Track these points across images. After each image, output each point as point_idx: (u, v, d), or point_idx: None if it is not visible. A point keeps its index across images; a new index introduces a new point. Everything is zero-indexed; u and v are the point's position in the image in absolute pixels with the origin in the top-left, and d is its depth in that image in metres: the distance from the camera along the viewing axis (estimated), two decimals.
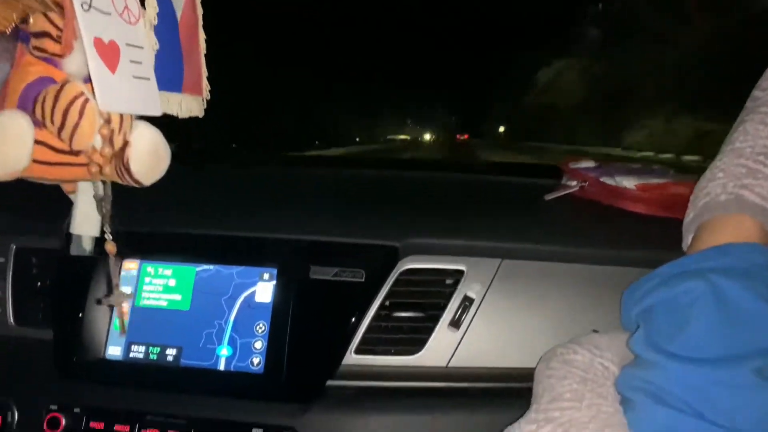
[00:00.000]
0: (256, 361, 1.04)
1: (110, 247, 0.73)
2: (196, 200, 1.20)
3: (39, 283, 1.16)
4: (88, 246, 0.78)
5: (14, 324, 1.16)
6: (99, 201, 0.71)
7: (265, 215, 1.13)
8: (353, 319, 1.02)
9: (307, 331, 1.03)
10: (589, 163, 1.31)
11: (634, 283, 0.75)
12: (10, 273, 1.17)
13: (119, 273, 0.78)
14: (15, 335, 1.15)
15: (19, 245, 1.18)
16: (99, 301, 1.04)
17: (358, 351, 1.03)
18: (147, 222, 1.13)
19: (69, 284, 1.12)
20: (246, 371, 1.03)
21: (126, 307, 0.86)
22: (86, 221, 0.77)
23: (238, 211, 1.15)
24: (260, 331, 1.05)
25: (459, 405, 1.00)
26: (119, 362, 1.08)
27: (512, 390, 0.99)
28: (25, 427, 1.06)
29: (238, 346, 1.05)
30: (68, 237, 0.76)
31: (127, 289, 0.88)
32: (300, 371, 1.01)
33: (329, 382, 1.01)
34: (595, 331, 0.81)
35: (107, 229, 0.72)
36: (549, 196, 1.21)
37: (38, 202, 1.21)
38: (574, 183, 1.25)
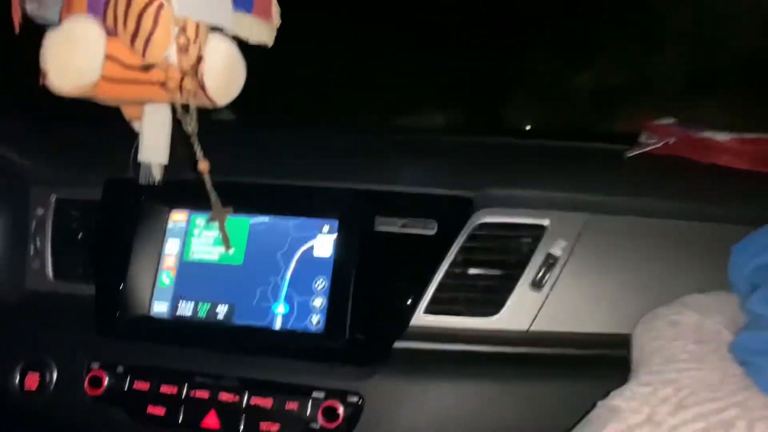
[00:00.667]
0: (315, 319, 0.95)
1: (203, 165, 0.66)
2: (249, 148, 1.11)
3: (81, 235, 1.09)
4: (157, 174, 0.69)
5: (53, 279, 1.09)
6: (183, 118, 0.63)
7: (325, 163, 1.04)
8: (423, 276, 0.93)
9: (372, 288, 0.93)
10: (670, 120, 1.20)
11: (747, 239, 0.67)
12: (50, 225, 1.10)
13: (212, 188, 0.71)
14: (55, 290, 1.08)
15: (60, 196, 1.11)
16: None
17: (428, 311, 0.93)
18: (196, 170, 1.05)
19: (113, 235, 1.04)
20: (305, 331, 0.94)
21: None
22: (154, 148, 0.69)
23: (295, 158, 1.06)
24: (320, 287, 0.96)
25: (540, 373, 0.90)
26: (165, 320, 1.00)
27: (600, 357, 0.88)
28: (64, 386, 0.99)
29: (296, 304, 0.96)
30: (135, 167, 0.68)
31: (228, 209, 0.78)
32: (364, 331, 0.92)
33: (397, 344, 0.92)
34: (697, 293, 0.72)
35: (197, 147, 0.65)
36: (630, 153, 1.10)
37: (79, 152, 1.14)
38: (654, 140, 1.14)
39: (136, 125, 0.73)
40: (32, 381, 1.00)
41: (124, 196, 1.05)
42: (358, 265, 0.94)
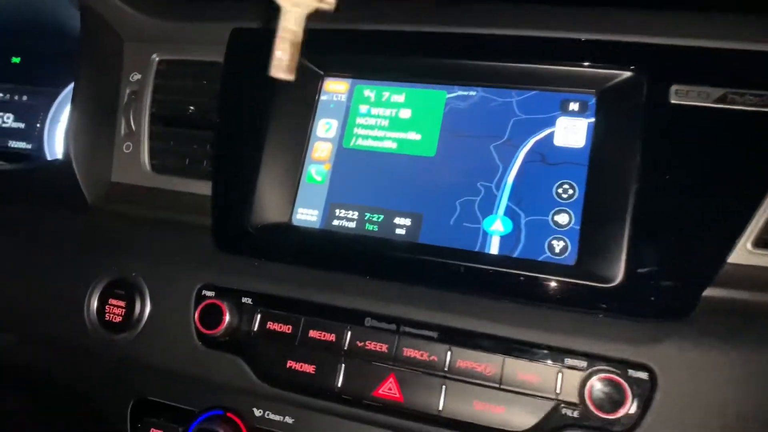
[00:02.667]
0: (558, 245, 0.59)
1: None
2: None
3: (191, 110, 0.77)
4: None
5: (151, 170, 0.77)
6: None
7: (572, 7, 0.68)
8: (754, 186, 0.56)
9: (660, 200, 0.57)
10: None
11: None
12: (149, 95, 0.78)
13: None
14: (152, 186, 0.77)
15: (163, 56, 0.79)
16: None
17: (758, 243, 0.57)
18: (357, 16, 0.70)
19: (239, 111, 0.71)
20: (542, 261, 0.60)
21: None
22: None
23: None
24: (565, 196, 0.61)
25: None
26: (315, 232, 0.67)
27: None
28: (162, 321, 0.67)
29: (523, 221, 0.61)
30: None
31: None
32: (651, 268, 0.56)
33: (707, 292, 0.55)
34: None
35: None
36: None
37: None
38: None
39: None
40: (115, 312, 0.69)
41: (255, 53, 0.72)
42: (641, 162, 0.57)
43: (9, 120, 0.99)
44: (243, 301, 0.65)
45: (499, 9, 0.67)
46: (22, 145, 0.97)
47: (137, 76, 0.79)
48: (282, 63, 0.51)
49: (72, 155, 0.75)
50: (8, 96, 1.00)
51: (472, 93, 0.66)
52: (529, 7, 0.67)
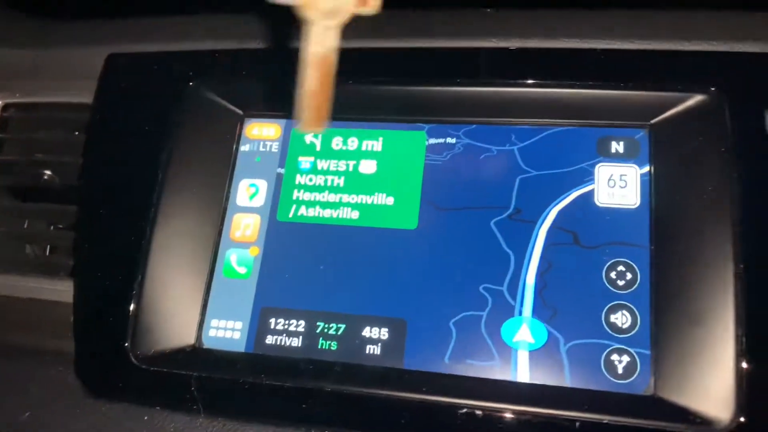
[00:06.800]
0: (620, 362, 0.38)
1: None
2: None
3: (45, 177, 0.52)
4: None
5: None
6: None
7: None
8: None
9: None
10: None
11: None
12: None
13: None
14: None
15: (7, 100, 0.54)
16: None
17: None
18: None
19: (120, 165, 0.48)
20: (599, 389, 0.38)
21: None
22: None
23: None
24: (621, 283, 0.40)
25: None
26: (239, 358, 0.43)
27: None
28: None
29: (560, 323, 0.40)
30: None
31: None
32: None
33: None
34: None
35: None
36: None
37: None
38: None
39: None
40: None
41: (141, 87, 0.49)
42: (740, 224, 0.38)
43: None
44: None
45: (500, 16, 0.47)
46: None
47: None
48: (313, 107, 0.29)
49: None
50: None
51: (465, 132, 0.45)
52: (538, 12, 0.47)
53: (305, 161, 0.47)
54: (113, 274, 0.45)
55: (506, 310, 0.40)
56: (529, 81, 0.44)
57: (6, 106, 0.54)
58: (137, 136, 0.48)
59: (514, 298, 0.41)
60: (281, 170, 0.47)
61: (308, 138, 0.47)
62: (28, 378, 0.46)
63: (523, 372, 0.39)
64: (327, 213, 0.45)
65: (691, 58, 0.42)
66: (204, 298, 0.44)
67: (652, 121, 0.42)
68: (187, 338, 0.43)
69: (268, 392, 0.40)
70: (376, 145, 0.46)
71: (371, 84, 0.46)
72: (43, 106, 0.53)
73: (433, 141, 0.46)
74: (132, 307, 0.43)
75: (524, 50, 0.45)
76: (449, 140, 0.45)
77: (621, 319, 0.39)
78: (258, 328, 0.43)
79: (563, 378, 0.38)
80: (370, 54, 0.46)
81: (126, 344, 0.42)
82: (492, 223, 0.43)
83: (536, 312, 0.40)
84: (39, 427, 0.43)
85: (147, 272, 0.44)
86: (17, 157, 0.52)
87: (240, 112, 0.48)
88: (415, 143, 0.46)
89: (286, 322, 0.43)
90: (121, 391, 0.43)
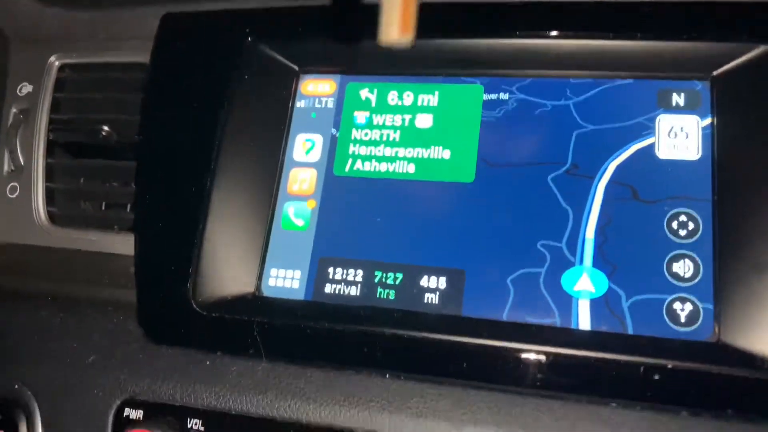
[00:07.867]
0: (682, 310, 0.38)
1: None
2: None
3: (102, 134, 0.53)
4: None
5: (49, 223, 0.53)
6: None
7: None
8: None
9: None
10: None
11: None
12: (44, 108, 0.54)
13: None
14: (48, 245, 0.52)
15: (64, 60, 0.56)
16: None
17: None
18: None
19: (169, 134, 0.49)
20: (659, 337, 0.38)
21: None
22: None
23: None
24: (683, 233, 0.40)
25: None
26: (298, 306, 0.43)
27: None
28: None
29: (622, 273, 0.40)
30: None
31: None
32: None
33: None
34: None
35: None
36: None
37: None
38: None
39: None
40: None
41: (196, 47, 0.50)
42: None
43: None
44: (189, 426, 0.41)
45: None
46: None
47: (28, 89, 0.55)
48: (398, 13, 0.29)
49: None
50: None
51: (523, 85, 0.45)
52: None
53: (361, 116, 0.47)
54: (175, 227, 0.46)
55: (565, 265, 0.41)
56: (587, 33, 0.44)
57: (63, 67, 0.56)
58: (194, 94, 0.49)
59: (573, 254, 0.41)
60: (337, 126, 0.48)
61: (363, 93, 0.48)
62: (90, 327, 0.47)
63: (584, 320, 0.39)
64: (383, 167, 0.46)
65: (753, 8, 0.42)
66: (263, 249, 0.45)
67: (714, 73, 0.42)
68: (247, 287, 0.44)
69: (328, 337, 0.41)
70: (432, 100, 0.46)
71: (426, 38, 0.46)
72: (99, 66, 0.55)
73: (487, 97, 0.46)
74: (193, 256, 0.44)
75: (582, 2, 0.45)
76: (502, 96, 0.46)
77: (683, 268, 0.39)
78: (316, 277, 0.44)
79: (625, 326, 0.39)
80: (425, 8, 0.47)
81: (188, 292, 0.44)
82: (549, 179, 0.43)
83: (596, 265, 0.40)
84: (103, 370, 0.44)
85: (207, 224, 0.45)
86: (77, 115, 0.53)
87: (296, 68, 0.49)
88: (471, 97, 0.46)
89: (345, 271, 0.44)
90: (182, 338, 0.44)
